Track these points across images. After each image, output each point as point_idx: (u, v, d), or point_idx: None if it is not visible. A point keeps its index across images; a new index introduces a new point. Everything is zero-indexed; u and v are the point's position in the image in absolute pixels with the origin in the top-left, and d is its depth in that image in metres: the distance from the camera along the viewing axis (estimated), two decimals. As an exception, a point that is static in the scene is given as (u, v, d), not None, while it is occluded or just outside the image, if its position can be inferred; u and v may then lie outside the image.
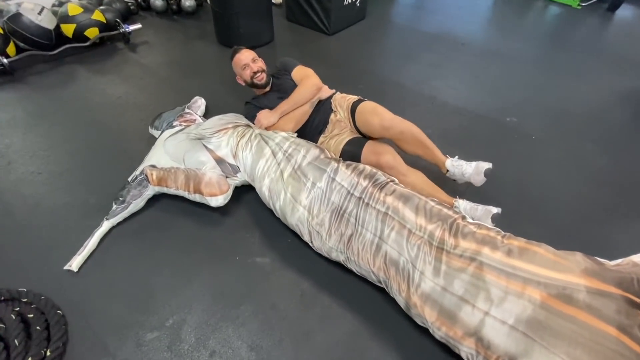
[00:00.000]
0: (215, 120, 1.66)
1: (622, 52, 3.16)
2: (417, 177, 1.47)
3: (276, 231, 1.45)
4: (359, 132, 1.63)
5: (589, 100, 2.42)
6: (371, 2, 3.50)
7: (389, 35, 3.25)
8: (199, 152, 1.50)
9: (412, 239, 1.12)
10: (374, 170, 1.35)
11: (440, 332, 1.02)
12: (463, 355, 1.00)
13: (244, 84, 1.76)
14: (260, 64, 1.71)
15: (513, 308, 0.94)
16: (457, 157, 1.55)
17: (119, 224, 1.45)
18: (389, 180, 1.32)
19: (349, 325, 1.17)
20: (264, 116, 1.63)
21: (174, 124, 1.71)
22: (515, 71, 2.72)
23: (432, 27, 3.37)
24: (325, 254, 1.30)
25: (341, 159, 1.49)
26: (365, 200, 1.24)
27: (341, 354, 1.11)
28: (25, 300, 1.16)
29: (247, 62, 1.67)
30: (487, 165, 1.46)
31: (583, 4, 4.13)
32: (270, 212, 1.47)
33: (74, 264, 1.27)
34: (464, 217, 1.19)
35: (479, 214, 1.35)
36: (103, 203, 1.48)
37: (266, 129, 1.62)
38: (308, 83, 1.66)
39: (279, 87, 1.75)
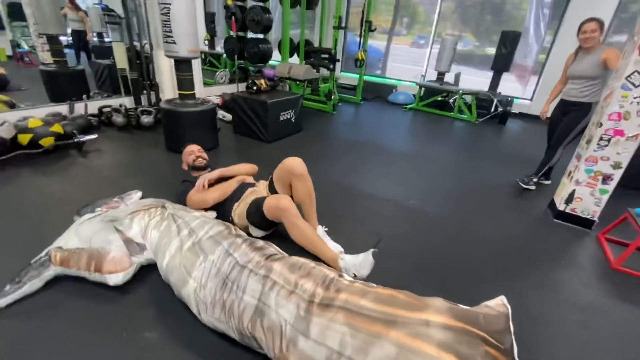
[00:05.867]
0: (134, 203, 1.82)
1: (511, 152, 3.91)
2: (308, 225, 1.71)
3: (174, 308, 1.45)
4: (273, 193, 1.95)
5: (480, 185, 2.88)
6: (309, 120, 4.24)
7: (320, 144, 3.83)
8: (108, 233, 1.58)
9: (287, 296, 1.20)
10: (272, 248, 1.45)
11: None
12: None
13: (186, 168, 2.19)
14: (204, 154, 2.18)
15: (377, 352, 0.99)
16: (341, 251, 1.79)
17: (7, 305, 1.40)
18: (282, 255, 1.41)
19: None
20: (205, 175, 1.95)
21: (96, 210, 1.83)
22: (422, 167, 3.24)
23: (358, 137, 4.06)
24: (212, 327, 1.31)
25: (244, 236, 1.61)
26: (250, 268, 1.31)
27: None
28: None
29: (194, 149, 2.18)
30: (371, 259, 1.53)
31: (480, 120, 5.22)
32: (171, 289, 1.50)
33: None
34: (340, 275, 1.32)
35: (361, 261, 1.53)
36: (-3, 288, 1.45)
37: (197, 197, 1.89)
38: (250, 165, 2.16)
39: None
